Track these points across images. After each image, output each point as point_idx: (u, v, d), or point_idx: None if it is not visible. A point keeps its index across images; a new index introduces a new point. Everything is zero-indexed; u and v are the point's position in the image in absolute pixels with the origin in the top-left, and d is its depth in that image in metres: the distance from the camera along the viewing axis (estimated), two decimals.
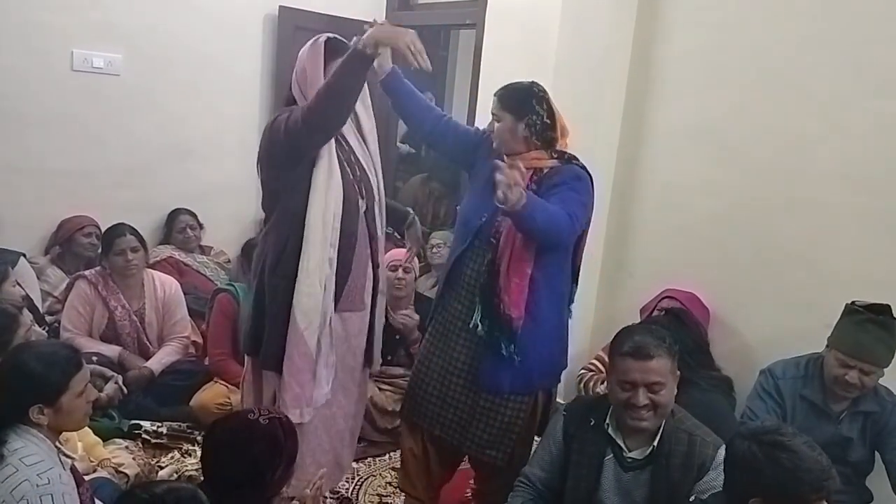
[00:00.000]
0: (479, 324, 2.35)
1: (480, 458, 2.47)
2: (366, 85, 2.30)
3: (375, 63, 2.27)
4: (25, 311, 2.60)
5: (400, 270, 3.41)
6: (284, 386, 2.34)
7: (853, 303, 2.44)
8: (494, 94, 2.39)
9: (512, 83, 2.40)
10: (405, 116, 2.64)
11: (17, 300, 2.85)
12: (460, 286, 2.43)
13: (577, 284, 2.51)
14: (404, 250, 3.62)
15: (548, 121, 2.34)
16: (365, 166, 2.46)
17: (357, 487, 3.00)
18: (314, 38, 2.34)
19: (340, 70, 2.14)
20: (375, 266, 2.50)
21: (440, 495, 2.72)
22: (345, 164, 2.37)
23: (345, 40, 2.33)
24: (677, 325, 2.87)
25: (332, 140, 2.30)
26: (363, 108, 2.46)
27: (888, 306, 2.41)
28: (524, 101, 2.34)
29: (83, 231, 3.83)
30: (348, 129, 2.41)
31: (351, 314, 2.46)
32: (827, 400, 2.48)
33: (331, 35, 2.36)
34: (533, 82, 2.39)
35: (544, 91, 2.37)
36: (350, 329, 2.48)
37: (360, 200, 2.41)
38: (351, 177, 2.39)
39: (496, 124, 2.37)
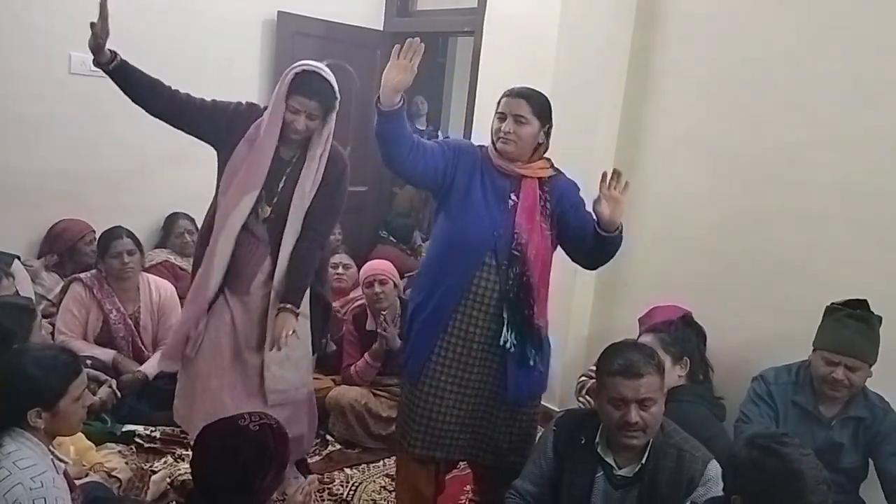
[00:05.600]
0: (509, 338, 2.34)
1: (501, 465, 2.46)
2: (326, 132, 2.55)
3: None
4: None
5: (376, 284, 3.36)
6: None
7: (832, 303, 2.49)
8: (520, 96, 2.34)
9: (531, 89, 2.39)
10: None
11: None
12: (473, 307, 2.34)
13: None
14: (380, 262, 3.56)
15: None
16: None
17: (352, 492, 2.99)
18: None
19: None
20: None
21: None
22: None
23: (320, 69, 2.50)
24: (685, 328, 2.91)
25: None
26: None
27: (865, 301, 2.44)
28: (549, 111, 2.40)
29: (84, 240, 3.80)
30: None
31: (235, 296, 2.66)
32: (818, 405, 2.50)
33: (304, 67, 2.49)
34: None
35: None
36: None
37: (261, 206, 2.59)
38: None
39: (517, 126, 2.32)
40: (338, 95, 2.54)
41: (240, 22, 4.31)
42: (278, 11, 4.37)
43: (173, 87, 2.59)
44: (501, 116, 2.36)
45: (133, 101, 2.55)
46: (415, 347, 2.45)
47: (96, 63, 2.44)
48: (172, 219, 4.18)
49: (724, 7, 3.17)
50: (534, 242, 2.33)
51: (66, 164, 3.87)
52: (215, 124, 2.59)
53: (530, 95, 2.36)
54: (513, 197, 2.35)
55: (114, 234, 3.39)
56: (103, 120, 3.95)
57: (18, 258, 3.50)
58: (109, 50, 2.43)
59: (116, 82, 2.50)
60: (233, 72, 4.31)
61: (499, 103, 2.39)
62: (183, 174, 4.23)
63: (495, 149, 2.38)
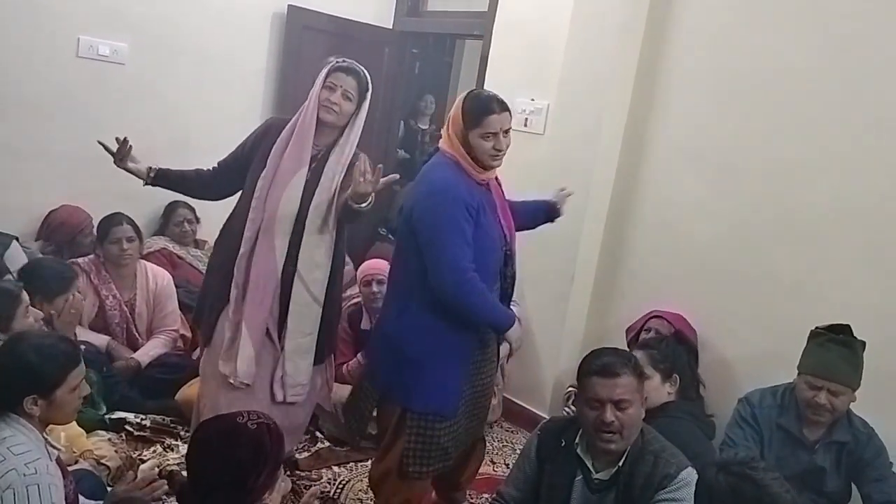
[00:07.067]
0: None
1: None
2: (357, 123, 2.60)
3: None
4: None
5: (374, 284, 3.36)
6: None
7: (816, 328, 2.50)
8: (505, 109, 2.29)
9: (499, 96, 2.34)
10: None
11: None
12: None
13: None
14: (378, 261, 3.56)
15: None
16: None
17: (339, 490, 3.00)
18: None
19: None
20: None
21: None
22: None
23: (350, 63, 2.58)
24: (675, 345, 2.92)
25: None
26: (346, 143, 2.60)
27: (847, 326, 2.46)
28: None
29: (83, 233, 3.77)
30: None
31: None
32: (802, 429, 2.52)
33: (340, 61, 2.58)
34: None
35: None
36: None
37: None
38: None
39: (507, 139, 2.32)
40: (370, 87, 2.59)
41: (249, 14, 4.30)
42: (288, 5, 4.36)
43: (204, 169, 2.85)
44: (493, 135, 2.26)
45: (186, 195, 2.81)
46: (443, 387, 2.35)
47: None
48: (172, 207, 4.16)
49: (732, 23, 3.19)
50: (514, 239, 2.45)
51: (69, 148, 3.85)
52: (247, 161, 2.67)
53: (507, 104, 2.30)
54: (497, 205, 2.43)
55: (114, 220, 3.39)
56: (108, 105, 3.94)
57: (17, 239, 3.49)
58: (147, 168, 2.75)
59: (164, 187, 2.81)
60: (239, 63, 4.31)
61: (482, 122, 2.25)
62: (184, 163, 4.21)
63: (481, 166, 2.31)
